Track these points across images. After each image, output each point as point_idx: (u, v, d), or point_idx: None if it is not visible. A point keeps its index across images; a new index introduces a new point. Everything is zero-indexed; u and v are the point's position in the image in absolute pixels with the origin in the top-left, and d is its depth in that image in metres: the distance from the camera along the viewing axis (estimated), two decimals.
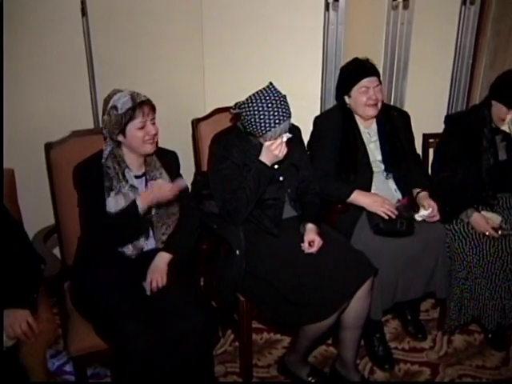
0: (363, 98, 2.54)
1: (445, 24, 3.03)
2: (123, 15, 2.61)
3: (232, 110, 2.33)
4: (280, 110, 2.20)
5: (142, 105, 2.11)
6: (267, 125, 2.20)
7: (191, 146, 2.74)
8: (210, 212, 2.39)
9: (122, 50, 2.66)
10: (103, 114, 2.15)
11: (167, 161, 2.30)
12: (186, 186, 2.24)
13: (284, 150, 2.24)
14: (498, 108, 2.49)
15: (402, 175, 2.68)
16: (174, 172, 2.30)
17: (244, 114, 2.25)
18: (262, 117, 2.20)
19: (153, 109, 2.16)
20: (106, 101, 2.13)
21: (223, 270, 2.35)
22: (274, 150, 2.22)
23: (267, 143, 2.23)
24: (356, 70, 2.56)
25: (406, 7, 2.92)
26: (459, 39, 3.08)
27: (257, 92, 2.24)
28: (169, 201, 2.18)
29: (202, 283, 2.65)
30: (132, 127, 2.11)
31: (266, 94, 2.21)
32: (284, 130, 2.24)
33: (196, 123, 2.67)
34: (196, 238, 2.33)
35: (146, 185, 2.22)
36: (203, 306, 2.14)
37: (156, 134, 2.17)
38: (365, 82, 2.53)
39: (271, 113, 2.19)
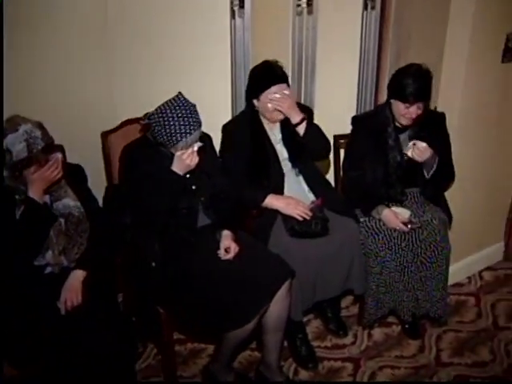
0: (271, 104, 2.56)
1: (348, 28, 3.11)
2: (27, 25, 2.48)
3: (141, 122, 2.29)
4: (190, 119, 2.18)
5: (39, 153, 2.02)
6: (178, 135, 2.18)
7: (102, 159, 2.68)
8: (124, 224, 2.35)
9: (28, 61, 2.52)
10: None
11: (72, 176, 2.24)
12: (61, 156, 2.13)
13: (195, 159, 2.23)
14: (396, 105, 2.60)
15: (310, 172, 2.73)
16: (80, 186, 2.25)
17: (154, 124, 2.21)
18: (172, 127, 2.17)
19: (53, 148, 2.08)
20: None
21: (140, 283, 2.32)
22: (185, 159, 2.21)
23: (178, 153, 2.22)
24: (265, 76, 2.56)
25: (310, 12, 2.98)
26: (363, 42, 3.18)
27: (166, 102, 2.21)
28: (59, 178, 2.11)
29: (121, 298, 2.59)
30: (28, 173, 2.04)
31: (175, 105, 2.19)
32: (195, 139, 2.23)
33: (106, 136, 2.61)
34: (110, 252, 2.28)
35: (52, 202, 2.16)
36: (121, 322, 2.11)
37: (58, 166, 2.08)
38: (274, 88, 2.53)
39: (181, 123, 2.17)
